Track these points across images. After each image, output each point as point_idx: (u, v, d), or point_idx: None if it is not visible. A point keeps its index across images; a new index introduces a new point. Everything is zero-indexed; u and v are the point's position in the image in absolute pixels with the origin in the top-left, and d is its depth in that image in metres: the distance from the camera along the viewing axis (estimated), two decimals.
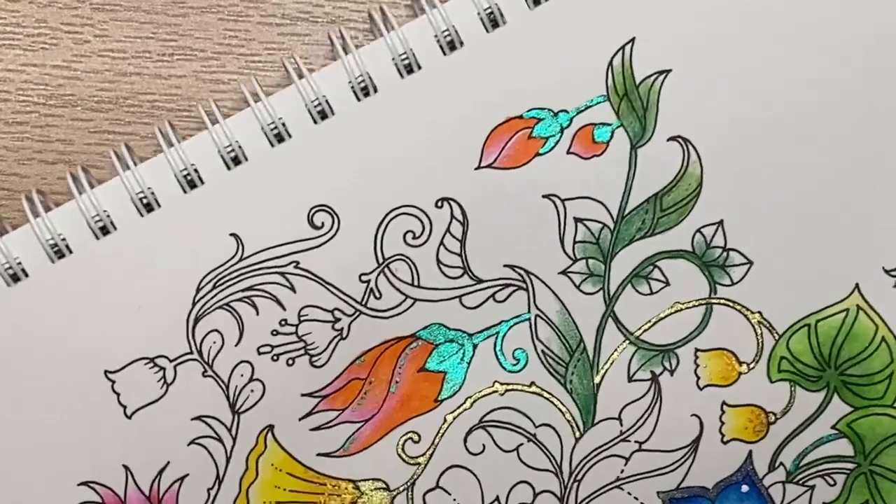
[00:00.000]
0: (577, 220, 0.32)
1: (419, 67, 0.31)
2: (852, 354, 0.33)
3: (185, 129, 0.33)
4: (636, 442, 0.32)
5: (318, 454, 0.32)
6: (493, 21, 0.31)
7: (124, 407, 0.31)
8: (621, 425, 0.32)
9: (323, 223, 0.31)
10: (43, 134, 0.33)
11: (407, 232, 0.32)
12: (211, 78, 0.33)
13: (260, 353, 0.31)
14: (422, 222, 0.32)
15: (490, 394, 0.32)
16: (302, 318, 0.32)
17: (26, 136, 0.33)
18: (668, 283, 0.32)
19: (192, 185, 0.31)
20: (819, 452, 0.33)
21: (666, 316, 0.32)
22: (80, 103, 0.33)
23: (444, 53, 0.31)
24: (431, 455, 0.32)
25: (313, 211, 0.31)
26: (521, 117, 0.32)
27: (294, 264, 0.31)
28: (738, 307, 0.33)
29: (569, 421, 0.32)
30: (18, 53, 0.33)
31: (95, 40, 0.33)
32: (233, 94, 0.33)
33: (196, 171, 0.31)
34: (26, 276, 0.31)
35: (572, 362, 0.32)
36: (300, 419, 0.32)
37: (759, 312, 0.33)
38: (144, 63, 0.33)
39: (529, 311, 0.32)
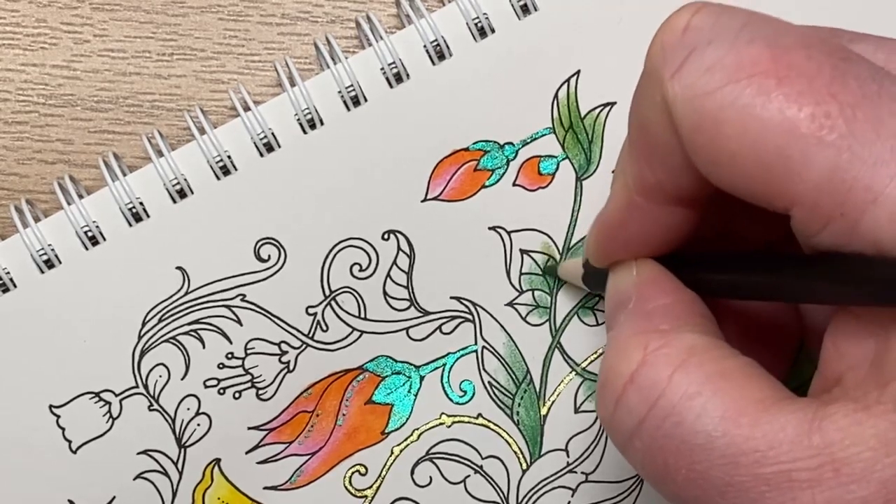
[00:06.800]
0: (523, 251, 0.32)
1: (365, 100, 0.31)
2: None
3: (184, 129, 0.33)
4: (583, 473, 0.33)
5: (265, 487, 0.32)
6: (440, 53, 0.31)
7: (69, 441, 0.31)
8: (568, 456, 0.32)
9: (269, 256, 0.31)
10: (43, 134, 0.33)
11: (353, 264, 0.32)
12: (211, 78, 0.33)
13: (206, 387, 0.31)
14: (368, 255, 0.32)
15: (437, 426, 0.32)
16: (248, 352, 0.31)
17: (26, 136, 0.33)
18: None
19: (138, 219, 0.31)
20: None
21: None
22: (80, 103, 0.33)
23: (391, 86, 0.31)
24: (378, 488, 0.32)
25: (260, 244, 0.31)
26: (467, 149, 0.32)
27: (240, 297, 0.31)
28: None
29: (516, 452, 0.32)
30: (18, 53, 0.33)
31: (95, 40, 0.33)
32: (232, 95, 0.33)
33: (141, 204, 0.31)
34: None
35: (519, 394, 0.32)
36: (247, 452, 0.32)
37: None
38: (144, 63, 0.33)
39: (476, 343, 0.32)
